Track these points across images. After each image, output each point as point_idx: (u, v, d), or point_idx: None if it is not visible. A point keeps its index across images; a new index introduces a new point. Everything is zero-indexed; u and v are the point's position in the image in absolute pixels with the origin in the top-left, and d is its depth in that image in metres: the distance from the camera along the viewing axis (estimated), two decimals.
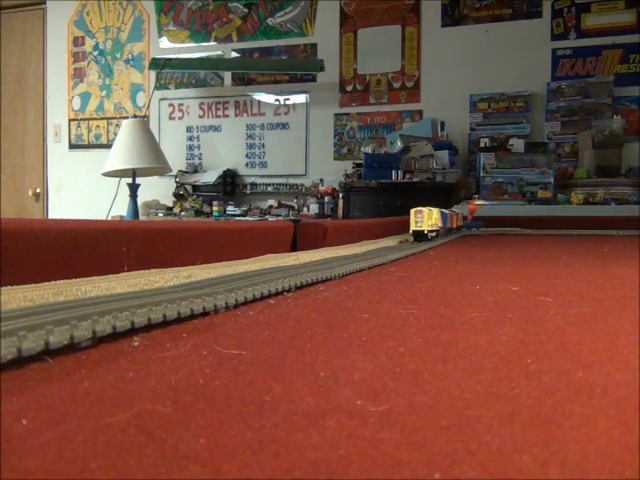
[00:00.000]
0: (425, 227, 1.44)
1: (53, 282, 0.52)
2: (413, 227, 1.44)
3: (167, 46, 5.03)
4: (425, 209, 1.42)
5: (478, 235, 2.36)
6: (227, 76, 4.90)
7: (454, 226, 2.00)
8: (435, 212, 1.53)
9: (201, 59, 4.88)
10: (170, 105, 5.05)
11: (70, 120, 5.36)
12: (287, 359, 0.38)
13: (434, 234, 1.55)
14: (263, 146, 4.82)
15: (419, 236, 1.46)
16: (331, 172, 4.52)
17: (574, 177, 3.72)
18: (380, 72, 4.48)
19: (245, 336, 0.45)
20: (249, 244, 1.28)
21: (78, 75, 5.34)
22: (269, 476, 0.20)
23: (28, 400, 0.29)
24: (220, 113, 4.92)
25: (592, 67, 4.00)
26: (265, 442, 0.24)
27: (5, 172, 5.54)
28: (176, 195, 4.72)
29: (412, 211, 1.44)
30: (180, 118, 5.03)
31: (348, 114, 4.57)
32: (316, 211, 4.38)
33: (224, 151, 4.90)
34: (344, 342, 0.43)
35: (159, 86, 4.96)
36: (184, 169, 4.89)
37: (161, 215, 4.55)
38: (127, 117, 4.55)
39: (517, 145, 3.79)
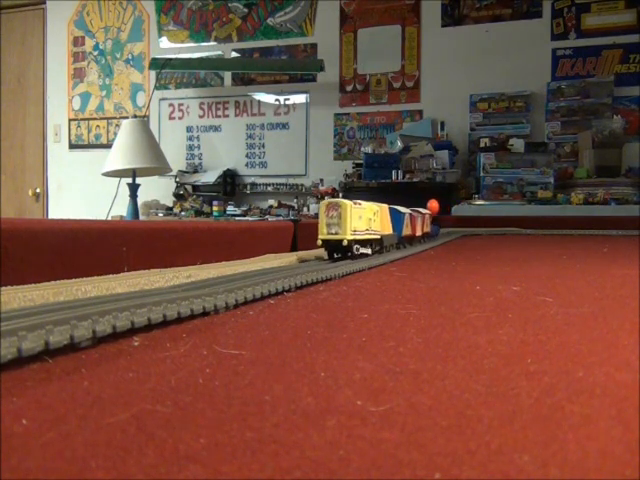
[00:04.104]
0: (345, 235, 0.86)
1: (53, 282, 0.52)
2: (323, 234, 0.87)
3: (167, 46, 5.02)
4: (348, 202, 0.86)
5: (478, 235, 2.36)
6: (227, 76, 4.89)
7: (417, 233, 1.42)
8: (368, 209, 0.95)
9: (201, 59, 4.88)
10: (170, 105, 5.05)
11: (70, 120, 5.36)
12: (287, 359, 0.38)
13: (366, 247, 0.95)
14: (263, 146, 4.81)
15: (336, 249, 0.90)
16: (331, 172, 4.52)
17: (574, 177, 3.72)
18: (380, 72, 4.48)
19: (245, 336, 0.45)
20: (249, 244, 1.28)
21: (78, 75, 5.34)
22: (269, 476, 0.20)
23: (28, 400, 0.29)
24: (220, 113, 4.92)
25: (592, 67, 3.99)
26: (265, 442, 0.24)
27: (5, 172, 5.54)
28: (176, 195, 4.72)
29: (322, 205, 0.87)
30: (180, 118, 5.03)
31: (348, 114, 4.57)
32: (316, 211, 4.38)
33: (224, 151, 4.90)
34: (344, 342, 0.43)
35: (159, 86, 4.96)
36: (184, 169, 4.89)
37: (161, 215, 4.55)
38: (127, 117, 4.55)
39: (517, 145, 3.79)
